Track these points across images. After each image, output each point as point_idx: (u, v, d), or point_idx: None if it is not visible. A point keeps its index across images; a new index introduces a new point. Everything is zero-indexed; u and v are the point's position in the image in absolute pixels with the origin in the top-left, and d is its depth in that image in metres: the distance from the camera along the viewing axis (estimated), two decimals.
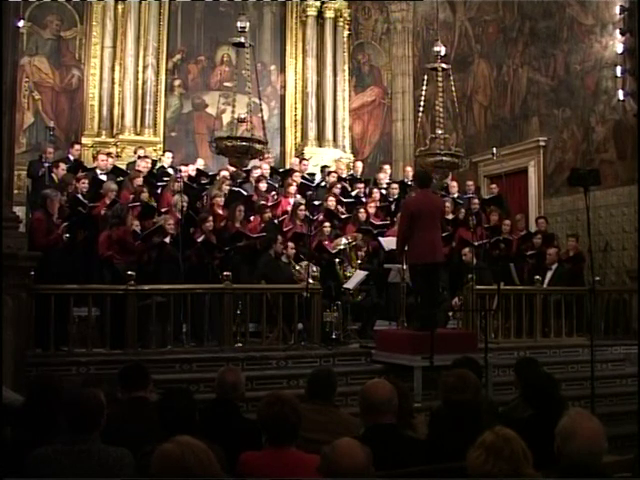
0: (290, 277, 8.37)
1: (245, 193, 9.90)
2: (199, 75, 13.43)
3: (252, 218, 9.28)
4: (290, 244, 8.62)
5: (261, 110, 10.09)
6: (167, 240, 8.08)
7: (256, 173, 10.29)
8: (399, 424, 3.34)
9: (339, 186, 10.36)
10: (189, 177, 9.99)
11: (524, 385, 4.06)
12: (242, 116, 10.03)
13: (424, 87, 10.90)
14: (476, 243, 9.20)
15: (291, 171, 11.05)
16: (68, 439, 2.95)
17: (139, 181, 9.24)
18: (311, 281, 7.75)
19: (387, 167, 11.92)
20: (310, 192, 10.27)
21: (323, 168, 11.99)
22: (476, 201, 10.47)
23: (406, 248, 7.31)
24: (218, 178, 9.95)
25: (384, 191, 10.81)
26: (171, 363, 7.01)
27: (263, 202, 9.56)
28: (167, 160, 10.76)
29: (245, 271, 8.61)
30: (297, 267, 8.56)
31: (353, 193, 10.69)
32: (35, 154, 10.69)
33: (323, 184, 11.01)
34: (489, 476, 2.25)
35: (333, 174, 11.11)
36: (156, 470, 2.20)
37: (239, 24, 9.46)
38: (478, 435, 2.40)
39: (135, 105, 12.43)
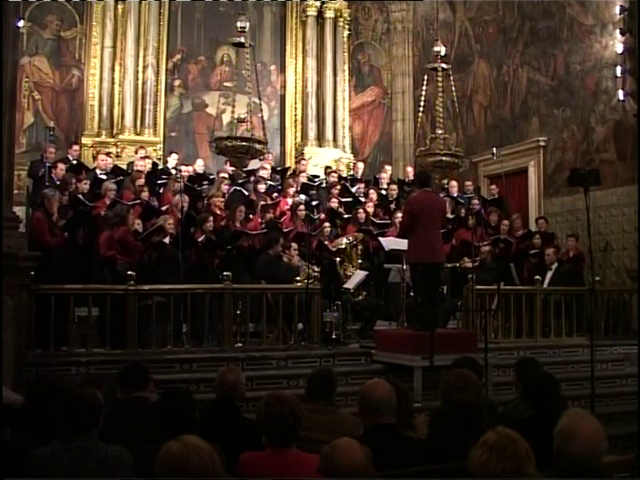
0: (290, 277, 8.36)
1: (246, 193, 9.92)
2: (199, 75, 13.44)
3: (252, 217, 9.29)
4: (294, 244, 8.62)
5: (261, 110, 10.10)
6: (167, 240, 8.08)
7: (260, 173, 10.31)
8: (399, 424, 3.34)
9: (339, 186, 10.38)
10: (189, 177, 10.00)
11: (524, 385, 4.06)
12: (242, 116, 10.02)
13: (424, 87, 10.90)
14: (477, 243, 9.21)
15: (294, 172, 11.07)
16: (66, 438, 2.96)
17: (141, 181, 9.24)
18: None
19: (388, 167, 11.94)
20: (313, 192, 10.30)
21: (327, 169, 11.99)
22: (476, 201, 10.48)
23: (406, 248, 7.32)
24: (217, 178, 9.95)
25: (384, 191, 10.83)
26: (171, 363, 7.00)
27: (263, 202, 9.57)
28: (172, 161, 10.76)
29: (245, 271, 8.61)
30: (302, 262, 8.55)
31: (352, 190, 10.71)
32: (35, 154, 10.70)
33: (324, 185, 11.02)
34: (492, 475, 2.26)
35: (333, 174, 11.13)
36: (160, 469, 2.21)
37: (239, 24, 9.46)
38: (478, 435, 2.40)
39: (135, 105, 12.43)
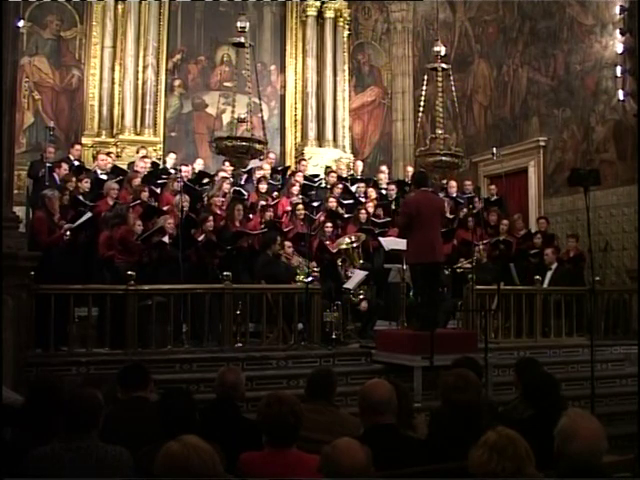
0: (290, 276, 8.36)
1: (245, 193, 9.91)
2: (199, 75, 13.43)
3: (251, 216, 9.29)
4: (287, 243, 8.62)
5: (261, 110, 10.09)
6: (166, 240, 8.08)
7: (259, 174, 10.31)
8: (399, 424, 3.34)
9: (340, 186, 10.37)
10: (189, 179, 9.98)
11: (524, 385, 4.06)
12: (242, 116, 10.02)
13: (424, 87, 10.90)
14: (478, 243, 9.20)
15: (294, 171, 11.07)
16: (66, 438, 2.96)
17: (137, 181, 9.23)
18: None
19: (384, 168, 11.91)
20: (312, 192, 10.28)
21: (327, 169, 11.97)
22: (476, 200, 10.49)
23: (405, 248, 7.33)
24: (217, 179, 9.94)
25: (383, 191, 10.83)
26: (171, 363, 7.00)
27: (263, 202, 9.57)
28: (170, 161, 10.76)
29: (245, 271, 8.61)
30: (300, 259, 8.55)
31: (353, 189, 10.71)
32: (35, 154, 10.69)
33: (323, 185, 11.02)
34: (492, 475, 2.26)
35: (333, 174, 11.12)
36: (160, 469, 2.21)
37: (239, 24, 9.47)
38: (478, 435, 2.40)
39: (135, 105, 12.42)
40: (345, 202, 10.14)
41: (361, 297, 8.65)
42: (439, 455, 3.14)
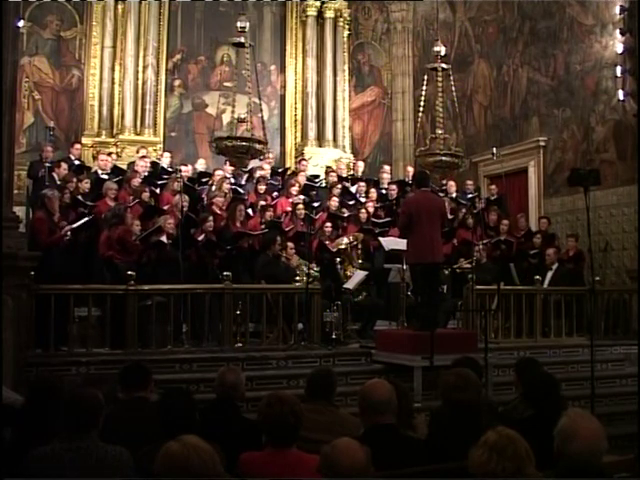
0: (289, 277, 8.36)
1: (242, 192, 9.91)
2: (199, 75, 13.44)
3: (251, 213, 9.29)
4: (290, 244, 8.62)
5: (261, 110, 10.09)
6: (165, 240, 8.07)
7: (259, 173, 10.31)
8: (399, 424, 3.34)
9: (340, 186, 10.37)
10: (189, 178, 9.98)
11: (524, 385, 4.06)
12: (242, 116, 10.02)
13: (424, 87, 10.89)
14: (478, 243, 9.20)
15: (295, 171, 11.07)
16: (67, 438, 2.96)
17: (136, 181, 9.22)
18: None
19: (387, 167, 11.93)
20: (313, 192, 10.28)
21: (328, 169, 11.97)
22: (477, 199, 10.48)
23: (405, 248, 7.33)
24: (217, 179, 9.94)
25: (384, 191, 10.83)
26: (171, 363, 7.00)
27: (263, 202, 9.57)
28: (166, 160, 10.76)
29: (245, 271, 8.61)
30: (300, 261, 8.55)
31: (353, 190, 10.70)
32: (35, 154, 10.68)
33: (324, 185, 11.02)
34: (492, 475, 2.26)
35: (332, 173, 11.12)
36: (160, 469, 2.21)
37: (239, 24, 9.46)
38: (478, 435, 2.40)
39: (135, 105, 12.43)
40: (348, 202, 10.13)
41: (361, 297, 8.66)
42: (439, 455, 3.15)
